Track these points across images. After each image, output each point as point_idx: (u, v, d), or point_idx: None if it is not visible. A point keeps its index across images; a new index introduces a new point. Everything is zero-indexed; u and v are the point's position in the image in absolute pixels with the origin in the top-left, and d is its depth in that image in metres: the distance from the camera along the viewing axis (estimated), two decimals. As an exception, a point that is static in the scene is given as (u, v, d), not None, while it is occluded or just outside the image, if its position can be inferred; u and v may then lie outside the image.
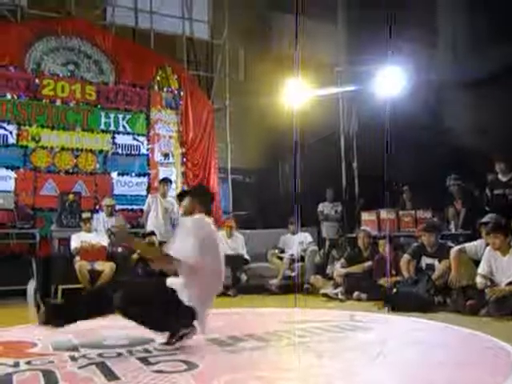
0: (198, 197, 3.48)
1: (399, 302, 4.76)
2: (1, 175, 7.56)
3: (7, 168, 7.63)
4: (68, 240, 6.53)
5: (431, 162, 7.11)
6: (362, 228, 6.65)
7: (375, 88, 7.54)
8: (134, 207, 8.28)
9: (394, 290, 5.03)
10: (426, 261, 5.43)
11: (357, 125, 9.08)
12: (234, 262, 6.82)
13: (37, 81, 8.04)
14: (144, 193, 8.47)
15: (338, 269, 6.18)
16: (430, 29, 8.14)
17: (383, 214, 6.95)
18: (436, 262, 5.32)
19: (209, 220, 3.38)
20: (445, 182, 6.79)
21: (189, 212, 3.39)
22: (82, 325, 4.21)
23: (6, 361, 2.86)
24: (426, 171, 7.08)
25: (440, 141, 7.36)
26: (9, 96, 7.82)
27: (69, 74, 8.29)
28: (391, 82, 7.27)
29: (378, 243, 6.18)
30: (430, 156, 7.20)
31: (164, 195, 7.41)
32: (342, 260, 6.29)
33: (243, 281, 6.82)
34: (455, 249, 5.14)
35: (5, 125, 7.72)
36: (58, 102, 8.14)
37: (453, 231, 6.49)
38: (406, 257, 5.53)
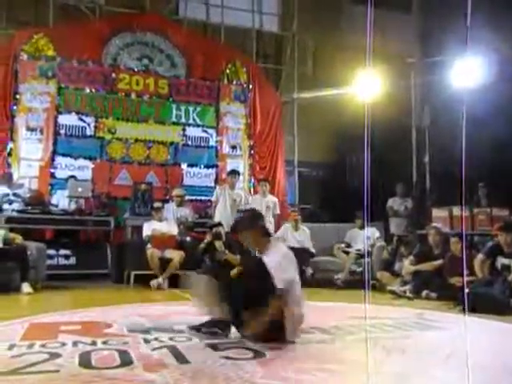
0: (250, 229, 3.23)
1: (472, 303, 4.55)
2: (80, 165, 8.01)
3: (85, 158, 8.07)
4: (140, 228, 6.80)
5: (509, 158, 6.71)
6: (433, 225, 6.42)
7: (450, 80, 7.21)
8: (203, 198, 8.48)
9: (467, 290, 4.82)
10: (501, 261, 5.15)
11: (429, 118, 8.74)
12: (300, 255, 6.78)
13: (113, 75, 8.41)
14: (212, 184, 8.66)
15: (406, 266, 6.02)
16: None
17: (456, 210, 6.67)
18: (513, 263, 5.04)
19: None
20: (524, 179, 6.41)
21: (258, 247, 3.25)
22: (153, 310, 4.40)
23: (84, 339, 3.04)
24: (503, 167, 6.69)
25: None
26: (87, 90, 8.25)
27: (143, 68, 8.60)
28: (468, 73, 6.91)
29: (450, 241, 5.95)
30: (507, 151, 6.79)
31: (232, 187, 7.51)
32: (411, 257, 6.10)
33: (308, 274, 6.80)
34: (536, 249, 4.84)
35: (84, 117, 8.16)
36: (133, 96, 8.48)
37: (533, 231, 6.09)
38: (480, 256, 5.29)
